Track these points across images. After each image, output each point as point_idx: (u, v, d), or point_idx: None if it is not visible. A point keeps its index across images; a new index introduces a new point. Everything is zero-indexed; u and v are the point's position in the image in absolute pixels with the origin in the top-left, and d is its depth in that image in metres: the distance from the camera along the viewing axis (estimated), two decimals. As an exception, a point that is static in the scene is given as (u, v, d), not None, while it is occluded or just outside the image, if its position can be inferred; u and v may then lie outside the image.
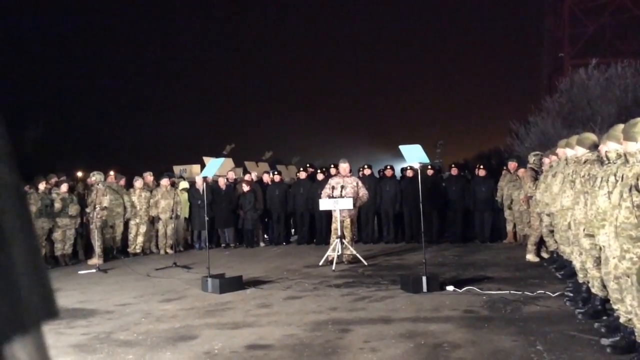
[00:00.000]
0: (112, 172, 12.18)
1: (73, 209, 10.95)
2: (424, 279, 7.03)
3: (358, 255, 9.61)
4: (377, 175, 13.87)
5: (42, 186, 10.65)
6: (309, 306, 6.54)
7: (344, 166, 10.22)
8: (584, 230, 5.10)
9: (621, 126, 4.28)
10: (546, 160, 8.53)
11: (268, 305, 6.67)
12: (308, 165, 14.73)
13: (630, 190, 3.72)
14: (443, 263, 9.50)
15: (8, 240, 0.44)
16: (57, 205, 10.71)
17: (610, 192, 4.18)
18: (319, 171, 13.34)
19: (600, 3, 32.31)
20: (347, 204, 9.58)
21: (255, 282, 8.11)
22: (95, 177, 11.09)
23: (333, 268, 9.08)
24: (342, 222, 9.82)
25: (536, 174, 8.98)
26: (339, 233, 9.65)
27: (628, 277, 3.80)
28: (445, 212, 12.60)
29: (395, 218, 12.81)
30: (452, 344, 4.85)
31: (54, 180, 11.17)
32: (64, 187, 10.93)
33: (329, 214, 11.07)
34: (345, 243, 9.68)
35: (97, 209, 10.60)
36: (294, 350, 4.90)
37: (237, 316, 6.20)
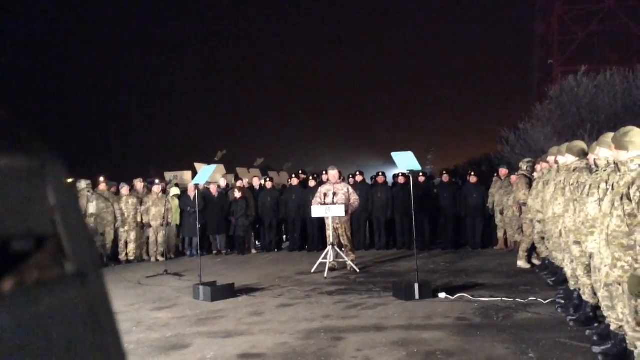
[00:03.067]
0: (102, 179, 12.10)
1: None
2: (416, 286, 7.04)
3: (351, 263, 9.62)
4: (369, 181, 13.89)
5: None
6: (302, 314, 6.53)
7: (333, 173, 10.24)
8: (573, 237, 5.13)
9: (611, 134, 4.31)
10: (537, 167, 8.58)
11: (260, 313, 6.65)
12: (300, 171, 14.73)
13: (621, 198, 3.74)
14: (435, 270, 9.52)
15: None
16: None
17: (600, 200, 4.21)
18: (310, 178, 13.35)
19: (590, 10, 32.60)
20: (339, 211, 9.60)
21: (247, 290, 8.09)
22: (81, 184, 11.16)
23: (325, 275, 9.07)
24: (335, 229, 9.85)
25: (529, 181, 9.03)
26: (331, 240, 9.68)
27: (619, 285, 3.82)
28: (436, 218, 12.63)
29: (387, 225, 12.82)
30: (444, 351, 4.85)
31: None
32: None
33: (321, 221, 11.10)
34: (345, 251, 9.79)
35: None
36: (286, 359, 4.89)
37: (229, 324, 6.18)
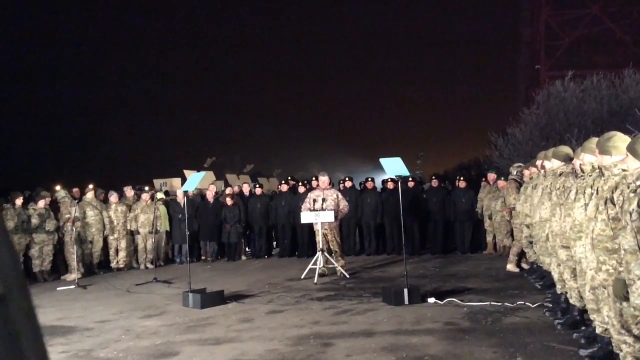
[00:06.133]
0: (90, 186, 12.04)
1: (50, 225, 10.80)
2: (406, 291, 7.07)
3: (340, 269, 9.64)
4: (358, 187, 13.91)
5: (19, 201, 10.51)
6: (291, 320, 6.53)
7: (324, 179, 10.27)
8: (559, 241, 5.17)
9: (596, 139, 4.36)
10: (526, 172, 8.65)
11: (250, 320, 6.65)
12: (289, 177, 14.74)
13: (605, 203, 3.79)
14: (424, 275, 9.55)
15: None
16: (34, 220, 10.57)
17: (586, 205, 4.25)
18: (300, 184, 13.36)
19: (576, 16, 32.89)
20: (329, 216, 9.61)
21: (237, 297, 8.07)
22: (59, 193, 11.32)
23: (315, 281, 9.08)
24: (325, 235, 9.86)
25: (520, 186, 9.10)
26: (321, 246, 9.69)
27: (605, 288, 3.86)
28: (426, 223, 12.66)
29: (377, 230, 12.84)
30: (433, 356, 4.87)
31: (47, 198, 11.07)
32: (42, 203, 10.78)
33: (310, 227, 11.11)
34: (335, 256, 9.80)
35: (70, 221, 10.57)
36: (276, 365, 4.89)
37: (218, 331, 6.17)
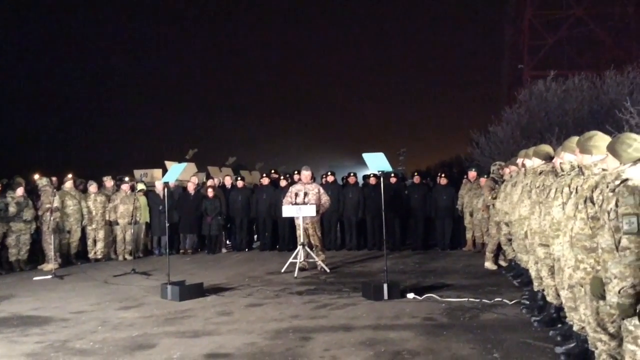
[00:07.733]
0: (70, 176, 11.85)
1: (28, 214, 10.63)
2: (385, 286, 7.09)
3: (321, 263, 9.64)
4: (340, 182, 13.91)
5: (-5, 189, 10.34)
6: (270, 314, 6.52)
7: (306, 174, 10.24)
8: (538, 239, 5.21)
9: (576, 138, 4.39)
10: (506, 170, 8.72)
11: (229, 313, 6.61)
12: (272, 171, 14.68)
13: (585, 202, 3.82)
14: (404, 270, 9.60)
15: None
16: (12, 209, 10.40)
17: (564, 203, 4.28)
18: (282, 177, 13.33)
19: (559, 17, 33.21)
20: (310, 210, 9.61)
21: (216, 289, 8.03)
22: (42, 181, 11.11)
23: (295, 275, 9.07)
24: (305, 229, 9.86)
25: (495, 184, 9.19)
26: (302, 240, 9.69)
27: (582, 286, 3.90)
28: (407, 219, 12.72)
29: (358, 225, 12.86)
30: (411, 351, 4.89)
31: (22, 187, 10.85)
32: (20, 191, 10.61)
33: (291, 221, 11.11)
34: (315, 251, 9.84)
35: (48, 210, 10.41)
36: (254, 358, 4.87)
37: (196, 324, 6.13)
